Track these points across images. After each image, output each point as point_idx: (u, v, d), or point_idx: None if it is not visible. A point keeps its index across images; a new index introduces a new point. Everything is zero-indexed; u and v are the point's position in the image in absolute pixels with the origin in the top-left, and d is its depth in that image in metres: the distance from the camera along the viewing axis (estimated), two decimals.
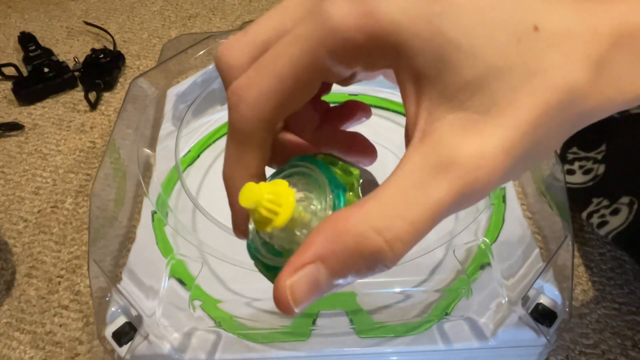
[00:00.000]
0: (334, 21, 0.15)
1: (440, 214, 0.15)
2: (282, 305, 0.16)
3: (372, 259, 0.15)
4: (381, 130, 0.52)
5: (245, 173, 0.19)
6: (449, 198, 0.15)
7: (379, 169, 0.46)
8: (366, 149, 0.23)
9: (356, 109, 0.23)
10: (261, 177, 0.19)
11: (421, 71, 0.16)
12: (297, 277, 0.15)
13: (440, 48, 0.15)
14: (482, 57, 0.15)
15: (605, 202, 0.43)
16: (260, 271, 0.20)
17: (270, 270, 0.19)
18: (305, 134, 0.22)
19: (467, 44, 0.15)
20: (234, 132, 0.18)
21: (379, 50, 0.16)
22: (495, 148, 0.15)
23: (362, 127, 0.55)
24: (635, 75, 0.16)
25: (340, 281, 0.16)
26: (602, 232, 0.42)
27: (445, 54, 0.15)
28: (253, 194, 0.17)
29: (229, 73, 0.18)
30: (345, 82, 0.21)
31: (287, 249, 0.18)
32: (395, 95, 0.55)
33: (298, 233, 0.18)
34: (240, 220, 0.20)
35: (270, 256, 0.19)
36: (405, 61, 0.16)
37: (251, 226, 0.20)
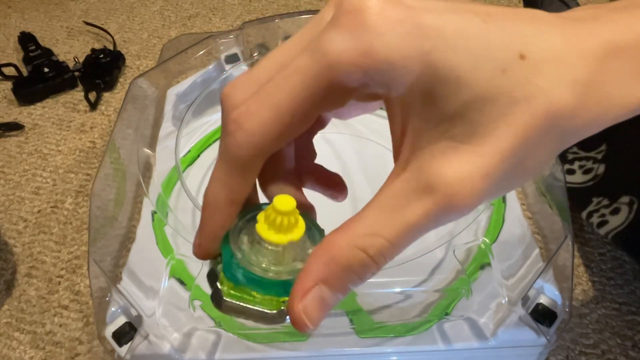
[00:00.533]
0: (332, 57, 0.16)
1: (416, 233, 0.17)
2: (300, 326, 0.18)
3: (362, 271, 0.18)
4: (381, 130, 0.52)
5: (229, 197, 0.20)
6: (423, 220, 0.17)
7: (379, 168, 0.46)
8: (343, 189, 0.25)
9: (336, 185, 0.25)
10: (239, 205, 0.20)
11: (409, 104, 0.17)
12: (306, 301, 0.18)
13: (429, 83, 0.16)
14: (467, 88, 0.16)
15: (605, 202, 0.43)
16: (230, 293, 0.20)
17: (254, 284, 0.20)
18: (286, 165, 0.23)
19: (454, 77, 0.16)
20: (227, 156, 0.19)
21: (373, 84, 0.17)
22: (472, 173, 0.16)
23: (362, 128, 0.56)
24: (623, 91, 0.17)
25: (342, 295, 0.18)
26: (602, 231, 0.42)
27: (433, 88, 0.16)
28: (291, 200, 0.19)
29: (231, 109, 0.19)
30: (341, 116, 0.22)
31: (272, 270, 0.20)
32: None
33: (292, 254, 0.20)
34: (208, 240, 0.21)
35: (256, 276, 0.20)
36: (395, 94, 0.17)
37: (237, 246, 0.20)
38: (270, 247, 0.19)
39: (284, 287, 0.19)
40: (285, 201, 0.19)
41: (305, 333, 0.19)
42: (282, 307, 0.19)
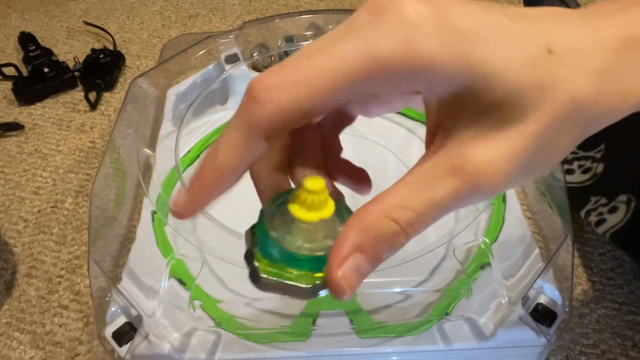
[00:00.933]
0: (377, 49, 0.17)
1: (443, 209, 0.18)
2: (340, 293, 0.19)
3: (393, 241, 0.19)
4: (381, 130, 0.52)
5: (235, 165, 0.19)
6: (450, 197, 0.18)
7: (379, 168, 0.46)
8: (369, 183, 0.26)
9: (362, 179, 0.26)
10: (238, 177, 0.20)
11: (446, 99, 0.18)
12: (344, 268, 0.19)
13: (467, 80, 0.17)
14: (502, 83, 0.17)
15: (603, 200, 0.43)
16: (267, 269, 0.21)
17: (291, 262, 0.20)
18: (314, 157, 0.24)
19: (490, 74, 0.17)
20: (247, 123, 0.18)
21: (414, 80, 0.18)
22: (498, 157, 0.18)
23: (363, 128, 0.56)
24: None
25: (375, 264, 0.19)
26: (600, 230, 0.42)
27: (471, 85, 0.17)
28: (320, 180, 0.20)
29: (260, 81, 0.18)
30: (369, 112, 0.23)
31: (306, 247, 0.21)
32: None
33: (323, 232, 0.21)
34: (197, 199, 0.20)
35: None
36: (434, 89, 0.18)
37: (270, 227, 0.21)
38: (302, 226, 0.20)
39: (317, 263, 0.20)
40: (314, 181, 0.20)
41: (341, 300, 0.19)
42: (317, 282, 0.20)
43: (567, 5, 0.57)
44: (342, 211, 0.22)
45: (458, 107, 0.18)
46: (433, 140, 0.20)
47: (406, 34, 0.17)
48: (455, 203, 0.18)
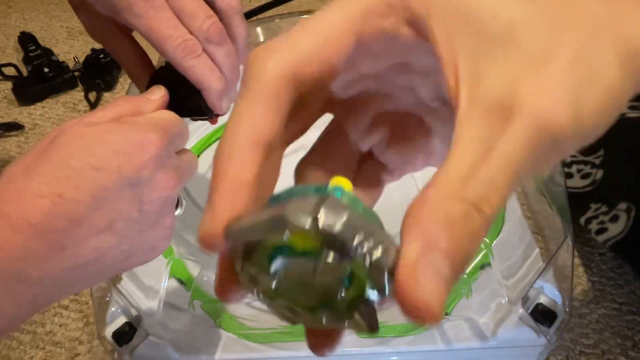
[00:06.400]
0: None
1: (518, 167, 0.14)
2: (426, 315, 0.14)
3: (469, 226, 0.14)
4: None
5: (252, 136, 0.16)
6: (521, 151, 0.14)
7: None
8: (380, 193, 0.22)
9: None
10: (264, 148, 0.16)
11: (453, 33, 0.15)
12: (420, 279, 0.13)
13: (466, 13, 0.15)
14: (502, 12, 0.15)
15: (603, 208, 0.43)
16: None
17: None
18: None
19: (487, 2, 0.15)
20: (252, 84, 0.16)
21: (410, 17, 0.16)
22: (547, 86, 0.14)
23: None
24: None
25: (459, 267, 0.14)
26: (601, 238, 0.42)
27: (472, 14, 0.15)
28: (348, 183, 0.15)
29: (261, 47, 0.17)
30: (374, 65, 0.19)
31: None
32: None
33: None
34: (227, 198, 0.16)
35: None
36: (437, 25, 0.16)
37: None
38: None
39: None
40: (345, 182, 0.15)
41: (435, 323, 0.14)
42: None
43: None
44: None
45: (471, 44, 0.15)
46: (458, 105, 0.15)
47: None
48: (529, 157, 0.14)
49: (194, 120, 0.33)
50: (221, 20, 0.30)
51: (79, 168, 0.23)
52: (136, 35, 0.31)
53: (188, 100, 0.30)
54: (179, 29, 0.28)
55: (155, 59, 0.29)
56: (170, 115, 0.29)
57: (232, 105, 0.32)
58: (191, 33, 0.29)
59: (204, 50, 0.29)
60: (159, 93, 0.29)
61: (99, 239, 0.24)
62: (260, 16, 0.53)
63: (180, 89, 0.30)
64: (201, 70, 0.29)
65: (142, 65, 0.33)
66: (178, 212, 0.42)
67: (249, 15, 0.49)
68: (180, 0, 0.29)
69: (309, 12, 0.61)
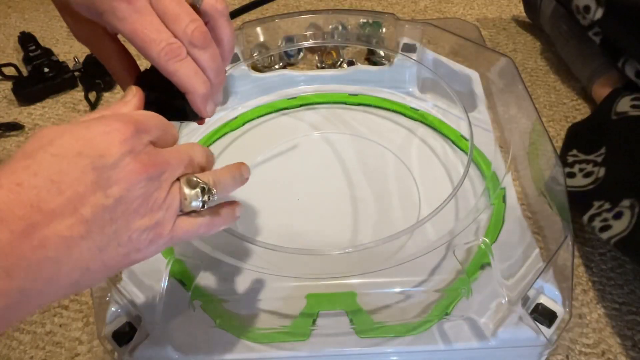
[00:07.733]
0: None
1: None
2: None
3: None
4: (381, 130, 0.52)
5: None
6: None
7: (379, 168, 0.46)
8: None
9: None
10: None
11: None
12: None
13: None
14: None
15: (606, 205, 0.42)
16: None
17: None
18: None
19: None
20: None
21: None
22: None
23: (362, 127, 0.55)
24: None
25: None
26: (604, 236, 0.41)
27: None
28: None
29: None
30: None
31: None
32: (395, 95, 0.55)
33: None
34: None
35: None
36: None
37: None
38: None
39: None
40: None
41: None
42: None
43: (564, 7, 0.56)
44: None
45: None
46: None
47: None
48: None
49: (181, 122, 0.33)
50: (206, 23, 0.30)
51: (39, 157, 0.23)
52: (122, 38, 0.31)
53: (173, 103, 0.30)
54: (162, 32, 0.28)
55: (145, 62, 0.29)
56: (146, 112, 0.28)
57: (217, 109, 0.33)
58: (175, 36, 0.28)
59: (189, 53, 0.29)
60: (131, 93, 0.29)
61: (65, 226, 0.23)
62: (260, 16, 0.53)
63: (165, 93, 0.30)
64: (185, 74, 0.29)
65: (127, 68, 0.33)
66: None
67: (234, 14, 0.49)
68: (164, 3, 0.29)
69: (308, 12, 0.61)
